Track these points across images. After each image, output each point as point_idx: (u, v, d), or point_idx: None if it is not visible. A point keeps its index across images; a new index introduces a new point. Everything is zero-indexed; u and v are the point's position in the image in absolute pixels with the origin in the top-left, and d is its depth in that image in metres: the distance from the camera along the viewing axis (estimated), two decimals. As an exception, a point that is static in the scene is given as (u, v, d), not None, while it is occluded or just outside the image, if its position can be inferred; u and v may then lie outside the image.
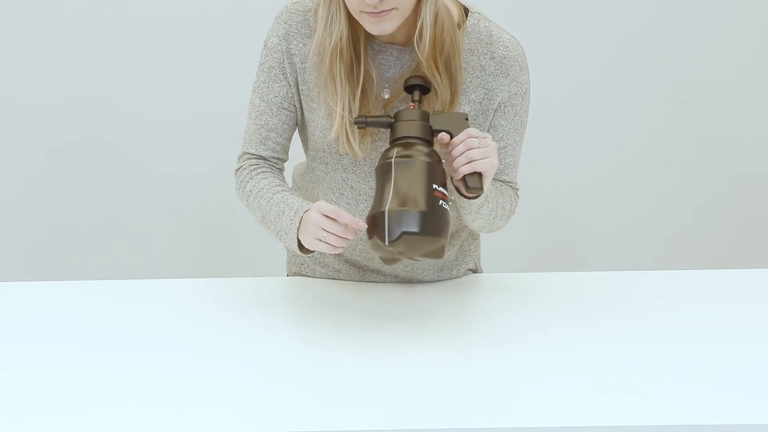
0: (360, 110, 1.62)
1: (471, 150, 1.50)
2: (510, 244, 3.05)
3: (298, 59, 1.68)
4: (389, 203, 1.43)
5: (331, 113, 1.64)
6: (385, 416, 1.33)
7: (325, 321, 1.63)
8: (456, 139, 1.52)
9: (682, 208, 3.13)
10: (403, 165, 1.46)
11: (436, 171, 1.48)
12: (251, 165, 1.74)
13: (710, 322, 1.62)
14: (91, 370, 1.47)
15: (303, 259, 1.85)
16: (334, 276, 1.83)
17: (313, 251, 1.61)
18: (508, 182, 1.74)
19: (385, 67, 1.65)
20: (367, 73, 1.62)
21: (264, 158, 1.74)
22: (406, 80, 1.58)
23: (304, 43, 1.67)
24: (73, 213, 3.06)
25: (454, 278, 1.83)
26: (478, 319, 1.64)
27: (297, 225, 1.59)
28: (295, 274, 1.89)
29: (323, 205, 1.53)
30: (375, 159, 1.69)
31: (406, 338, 1.56)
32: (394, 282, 1.81)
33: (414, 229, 1.42)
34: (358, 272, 1.81)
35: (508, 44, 1.66)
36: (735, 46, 3.03)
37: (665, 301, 1.71)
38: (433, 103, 1.61)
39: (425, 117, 1.53)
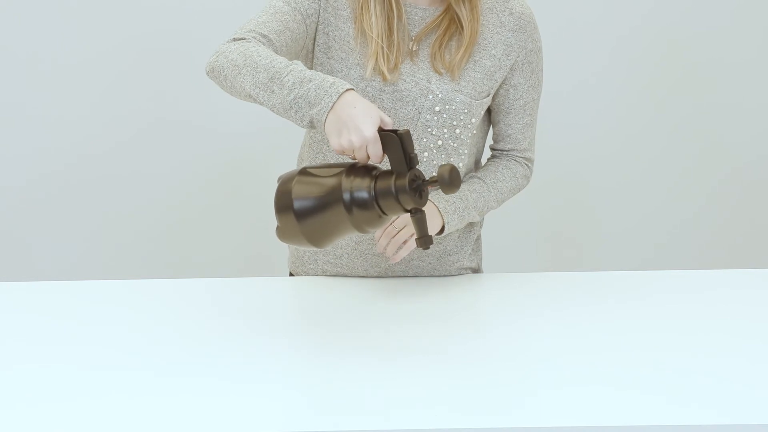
0: (391, 45, 1.69)
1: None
2: (510, 244, 3.06)
3: (330, 10, 1.71)
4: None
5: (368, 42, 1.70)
6: (386, 416, 1.33)
7: (326, 321, 1.63)
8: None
9: (682, 207, 3.13)
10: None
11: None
12: (260, 41, 1.61)
13: (710, 322, 1.62)
14: (92, 369, 1.47)
15: (302, 252, 1.85)
16: (336, 271, 1.83)
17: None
18: (519, 151, 1.84)
19: (410, 25, 1.73)
20: (399, 9, 1.70)
21: (276, 47, 1.64)
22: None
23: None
24: (72, 214, 3.06)
25: (455, 276, 1.83)
26: (479, 319, 1.64)
27: (334, 99, 1.43)
28: (297, 272, 1.89)
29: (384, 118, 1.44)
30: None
31: (408, 338, 1.56)
32: (395, 276, 1.82)
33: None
34: (360, 257, 1.81)
35: (522, 2, 1.79)
36: (736, 45, 3.03)
37: (665, 300, 1.71)
38: (462, 37, 1.71)
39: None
